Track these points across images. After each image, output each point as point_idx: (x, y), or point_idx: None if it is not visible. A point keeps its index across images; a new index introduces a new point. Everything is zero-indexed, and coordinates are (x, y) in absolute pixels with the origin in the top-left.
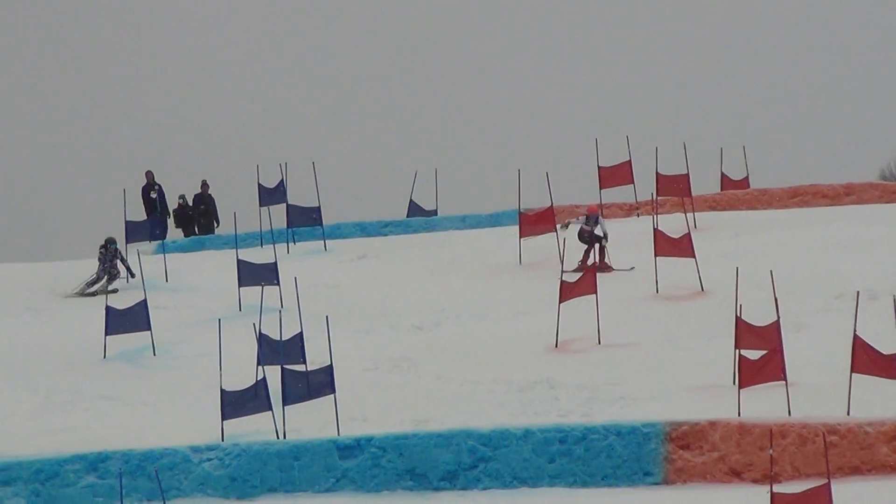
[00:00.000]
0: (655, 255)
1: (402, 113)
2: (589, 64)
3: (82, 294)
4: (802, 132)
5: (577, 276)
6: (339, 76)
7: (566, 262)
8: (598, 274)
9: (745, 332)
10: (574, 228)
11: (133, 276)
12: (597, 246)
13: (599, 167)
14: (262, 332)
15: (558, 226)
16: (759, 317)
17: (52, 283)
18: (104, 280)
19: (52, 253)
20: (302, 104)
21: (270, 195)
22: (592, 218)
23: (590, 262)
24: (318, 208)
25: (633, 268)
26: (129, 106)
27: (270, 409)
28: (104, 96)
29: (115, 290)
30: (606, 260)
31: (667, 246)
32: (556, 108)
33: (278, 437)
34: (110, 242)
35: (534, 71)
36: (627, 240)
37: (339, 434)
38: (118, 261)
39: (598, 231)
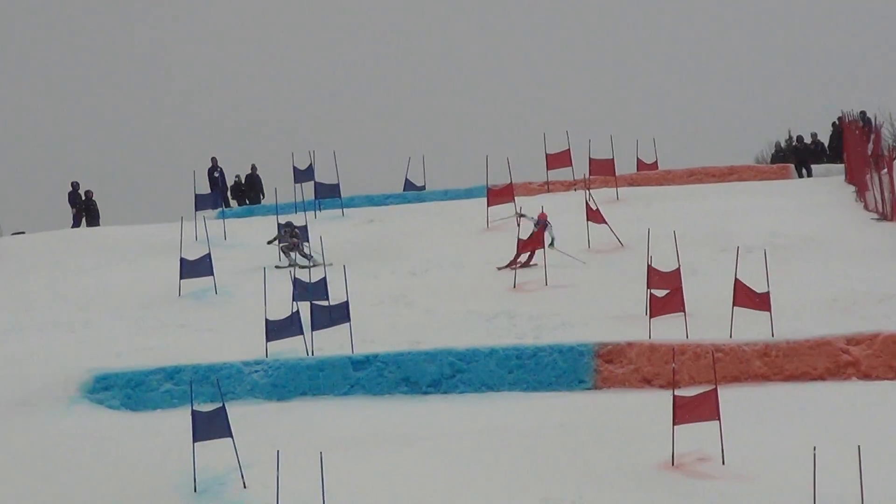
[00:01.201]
0: (588, 220)
1: (398, 112)
2: (538, 72)
3: (292, 260)
4: (696, 127)
5: (528, 230)
6: (357, 83)
7: (521, 229)
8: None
9: (654, 276)
10: (527, 223)
11: (312, 257)
12: (531, 252)
13: (546, 154)
14: (296, 276)
15: (519, 213)
16: (664, 265)
17: (142, 240)
18: (293, 250)
19: (142, 218)
20: (327, 106)
21: (302, 175)
22: (542, 223)
23: (521, 261)
24: (338, 185)
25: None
26: (199, 107)
27: (302, 333)
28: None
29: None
30: (533, 262)
31: (593, 214)
32: (514, 109)
33: (308, 355)
34: (287, 225)
35: (495, 80)
36: (568, 209)
37: (353, 352)
38: (297, 239)
39: (547, 233)
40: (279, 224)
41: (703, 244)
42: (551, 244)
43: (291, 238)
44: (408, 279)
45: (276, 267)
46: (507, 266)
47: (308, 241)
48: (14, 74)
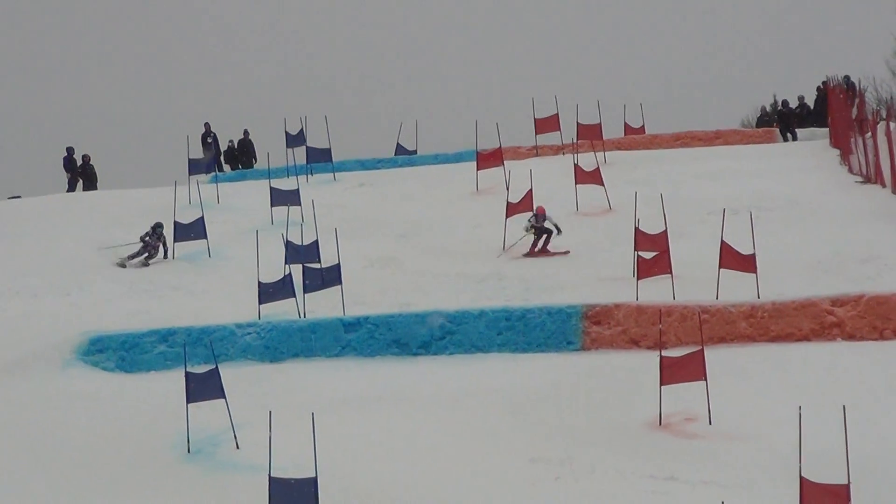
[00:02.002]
0: (576, 183)
1: (390, 78)
2: (527, 38)
3: (122, 265)
4: (683, 92)
5: (521, 196)
6: (349, 48)
7: (510, 192)
8: (539, 254)
9: (641, 239)
10: (530, 232)
11: (166, 257)
12: (543, 237)
13: (535, 118)
14: (288, 239)
15: (523, 229)
16: (652, 227)
17: (137, 205)
18: (144, 256)
19: (137, 182)
20: (319, 72)
21: (294, 139)
22: (541, 216)
23: (538, 248)
24: (329, 149)
25: (567, 251)
26: (193, 73)
27: (294, 296)
28: (177, 65)
29: (146, 265)
30: (549, 247)
31: (584, 176)
32: (503, 75)
33: (300, 317)
34: (158, 227)
35: (484, 46)
36: (556, 172)
37: (344, 314)
38: (161, 243)
39: (547, 224)
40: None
41: (689, 207)
42: (557, 231)
43: (157, 240)
44: (398, 242)
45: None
46: (528, 253)
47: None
48: (10, 41)
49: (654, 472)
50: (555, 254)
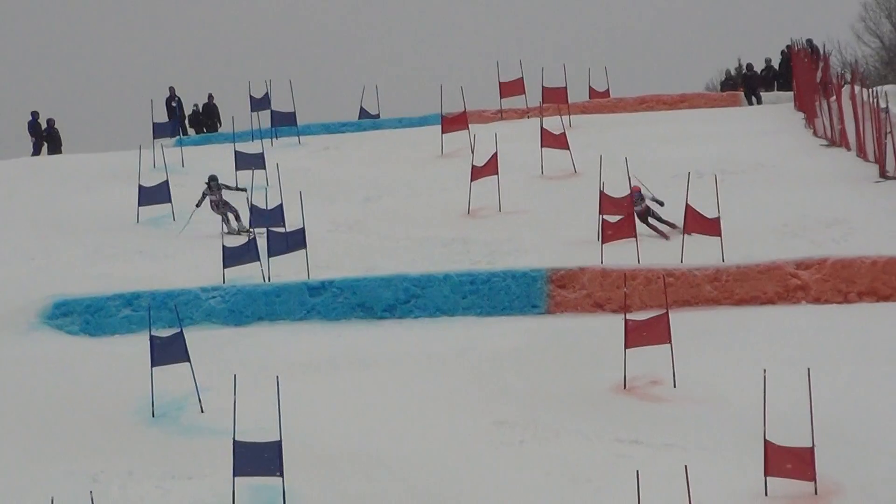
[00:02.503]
0: (542, 147)
1: (353, 42)
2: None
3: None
4: (647, 56)
5: (486, 160)
6: (313, 13)
7: (475, 156)
8: (664, 230)
9: (606, 202)
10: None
11: (239, 220)
12: (649, 219)
13: (500, 82)
14: (253, 203)
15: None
16: (617, 191)
17: (101, 168)
18: (233, 220)
19: (102, 146)
20: (283, 36)
21: (259, 103)
22: (637, 196)
23: (662, 228)
24: (294, 113)
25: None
26: (157, 37)
27: (258, 259)
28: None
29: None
30: (667, 220)
31: (549, 140)
32: (468, 38)
33: (265, 281)
34: (211, 180)
35: (449, 9)
36: (522, 136)
37: (308, 278)
38: (223, 199)
39: (647, 203)
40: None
41: (654, 171)
42: (660, 203)
43: (218, 193)
44: (363, 206)
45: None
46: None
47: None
48: None
49: (619, 436)
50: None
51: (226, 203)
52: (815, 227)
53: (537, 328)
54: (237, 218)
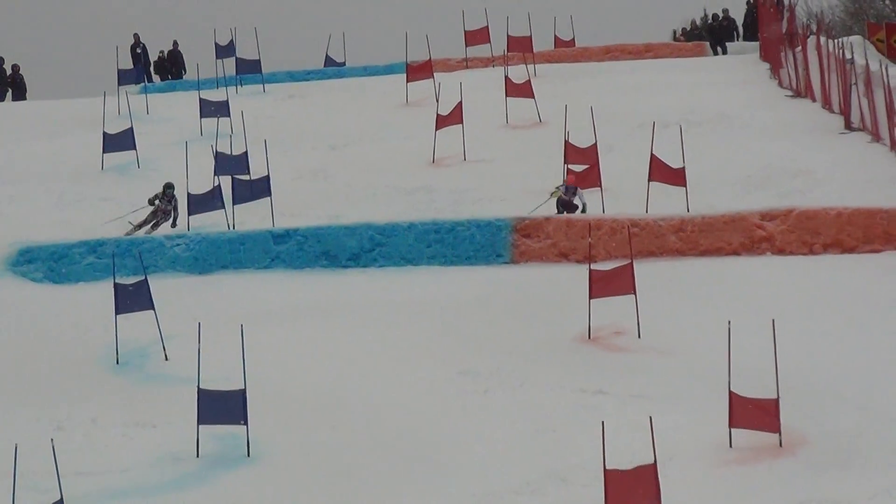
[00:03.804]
0: (506, 96)
1: None
2: None
3: (130, 234)
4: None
5: (450, 109)
6: None
7: (440, 105)
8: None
9: (571, 152)
10: (556, 196)
11: (174, 225)
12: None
13: (465, 31)
14: (218, 151)
15: (549, 194)
16: (582, 140)
17: (66, 115)
18: (152, 223)
19: (66, 93)
20: None
21: (224, 51)
22: (571, 189)
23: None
24: (259, 61)
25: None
26: None
27: (223, 207)
28: None
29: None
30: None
31: (514, 89)
32: None
33: (229, 228)
34: (168, 188)
35: None
36: (487, 85)
37: (273, 226)
38: (172, 207)
39: (575, 201)
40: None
41: (619, 120)
42: (582, 210)
43: (167, 206)
44: (328, 154)
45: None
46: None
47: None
48: None
49: (583, 386)
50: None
51: (167, 212)
52: (779, 178)
53: (502, 278)
54: (154, 227)
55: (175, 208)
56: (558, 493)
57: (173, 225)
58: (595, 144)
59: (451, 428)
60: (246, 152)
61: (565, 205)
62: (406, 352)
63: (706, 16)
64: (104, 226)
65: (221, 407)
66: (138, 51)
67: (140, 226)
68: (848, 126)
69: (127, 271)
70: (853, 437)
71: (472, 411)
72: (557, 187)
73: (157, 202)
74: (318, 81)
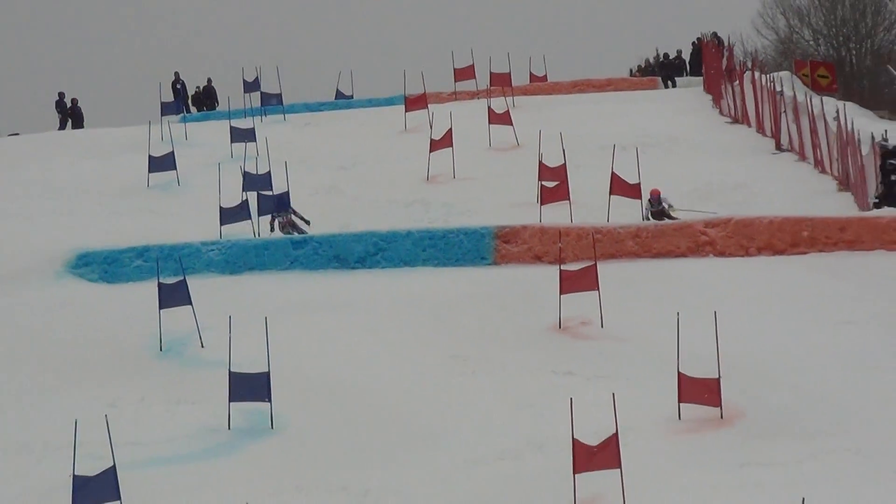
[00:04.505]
0: (489, 123)
1: (331, 32)
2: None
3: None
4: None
5: (442, 134)
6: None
7: (433, 131)
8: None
9: (544, 170)
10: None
11: (308, 223)
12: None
13: (454, 68)
14: (245, 170)
15: (643, 219)
16: (553, 160)
17: (117, 141)
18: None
19: (117, 122)
20: (272, 27)
21: (251, 86)
22: (655, 199)
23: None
24: (280, 94)
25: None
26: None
27: (250, 218)
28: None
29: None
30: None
31: (496, 117)
32: (427, 30)
33: (255, 236)
34: (281, 206)
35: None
36: (473, 114)
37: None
38: (291, 222)
39: (666, 207)
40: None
41: (584, 143)
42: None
43: (288, 216)
44: (338, 173)
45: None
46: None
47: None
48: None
49: (555, 368)
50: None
51: (293, 224)
52: (720, 191)
53: (485, 277)
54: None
55: (295, 213)
56: (535, 459)
57: (307, 223)
58: (564, 164)
59: (443, 404)
60: (269, 171)
61: (659, 217)
62: (405, 339)
63: (658, 55)
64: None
65: (249, 387)
66: (178, 86)
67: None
68: (778, 147)
69: (168, 272)
70: (784, 411)
71: (462, 390)
72: (646, 208)
73: (278, 219)
74: (330, 111)
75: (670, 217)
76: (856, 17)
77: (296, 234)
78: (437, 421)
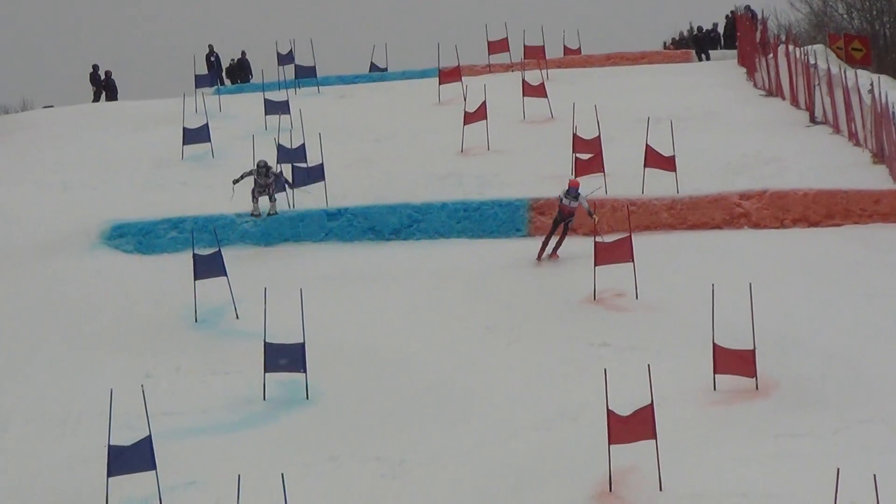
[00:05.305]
0: (523, 96)
1: (366, 5)
2: None
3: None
4: (614, 19)
5: (476, 107)
6: None
7: (467, 104)
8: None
9: (578, 143)
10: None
11: (291, 185)
12: (563, 225)
13: (488, 41)
14: (280, 143)
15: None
16: (587, 133)
17: (152, 113)
18: (259, 196)
19: (152, 94)
20: (304, 3)
21: (285, 59)
22: (572, 192)
23: (549, 246)
24: (314, 67)
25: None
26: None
27: (284, 189)
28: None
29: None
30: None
31: (530, 90)
32: (462, 3)
33: (290, 208)
34: (261, 166)
35: None
36: (507, 87)
37: (327, 206)
38: (272, 180)
39: (583, 203)
40: (257, 165)
41: (619, 116)
42: (590, 213)
43: (266, 179)
44: (373, 145)
45: (252, 215)
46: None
47: (279, 175)
48: None
49: (590, 339)
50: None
51: (270, 185)
52: (755, 164)
53: (520, 248)
54: (271, 198)
55: (278, 177)
56: (568, 430)
57: (291, 186)
58: (599, 136)
59: (478, 375)
60: (303, 144)
61: (567, 214)
62: (439, 311)
63: (692, 28)
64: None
65: (284, 357)
66: (212, 59)
67: (255, 202)
68: (812, 120)
69: (203, 244)
70: (819, 382)
71: (496, 361)
72: (561, 194)
73: (253, 178)
74: (364, 84)
75: (590, 214)
76: None
77: (265, 196)
78: (472, 392)
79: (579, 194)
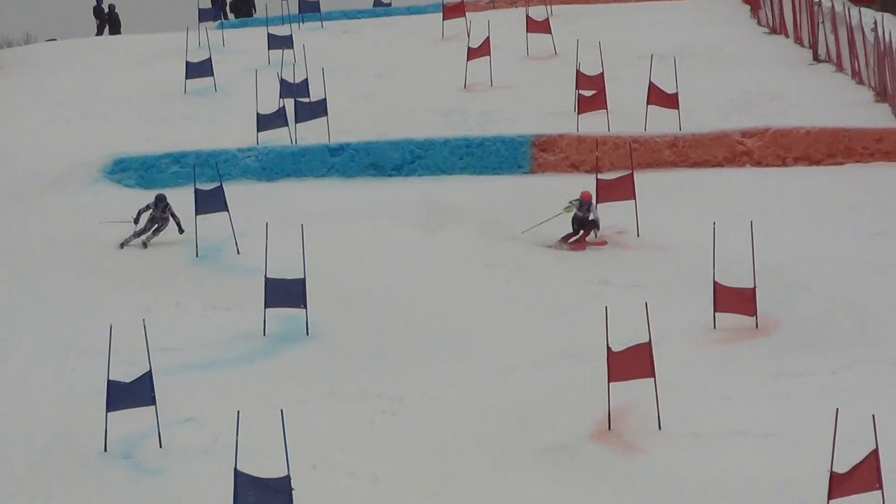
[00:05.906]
0: (527, 32)
1: None
2: None
3: (126, 244)
4: None
5: (480, 43)
6: None
7: (471, 39)
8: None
9: (582, 79)
10: (570, 213)
11: (182, 231)
12: (581, 232)
13: None
14: (283, 77)
15: (562, 210)
16: (591, 70)
17: (155, 47)
18: (151, 231)
19: (154, 28)
20: None
21: None
22: (585, 204)
23: (572, 241)
24: (318, 2)
25: (605, 243)
26: None
27: (287, 125)
28: None
29: (152, 238)
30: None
31: (534, 26)
32: None
33: (292, 143)
34: (160, 200)
35: None
36: (510, 23)
37: (329, 141)
38: (168, 215)
39: (591, 216)
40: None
41: (622, 53)
42: (596, 226)
43: (161, 213)
44: (376, 80)
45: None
46: (562, 241)
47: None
48: None
49: (590, 277)
50: (591, 244)
51: (164, 219)
52: (758, 101)
53: (522, 185)
54: (155, 233)
55: (172, 215)
56: (569, 367)
57: (180, 231)
58: (602, 73)
59: (478, 312)
60: (306, 79)
61: (580, 222)
62: (440, 246)
63: None
64: (100, 225)
65: (284, 293)
66: None
67: (139, 233)
68: (816, 58)
69: (205, 178)
70: (818, 321)
71: (496, 298)
72: (571, 202)
73: (150, 212)
74: (368, 19)
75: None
76: None
77: (153, 232)
78: (472, 329)
79: (591, 205)
